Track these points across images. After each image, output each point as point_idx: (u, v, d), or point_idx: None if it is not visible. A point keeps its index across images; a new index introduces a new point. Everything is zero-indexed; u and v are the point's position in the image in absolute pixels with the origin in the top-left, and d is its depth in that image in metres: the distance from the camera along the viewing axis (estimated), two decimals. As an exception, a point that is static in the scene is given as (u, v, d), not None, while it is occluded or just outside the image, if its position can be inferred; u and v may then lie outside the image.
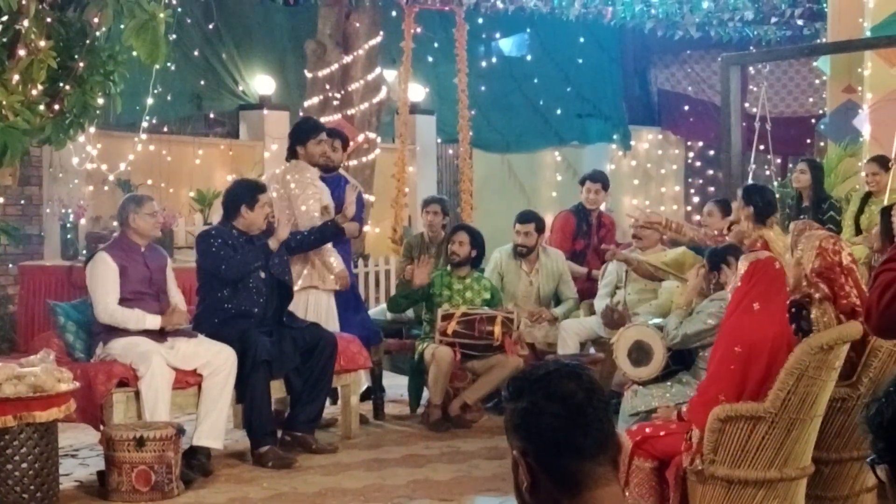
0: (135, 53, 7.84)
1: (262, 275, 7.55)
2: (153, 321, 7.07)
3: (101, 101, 8.00)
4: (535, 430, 2.25)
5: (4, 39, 7.47)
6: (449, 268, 8.76)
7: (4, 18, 7.39)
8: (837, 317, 5.20)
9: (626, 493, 5.24)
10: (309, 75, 12.58)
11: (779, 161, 15.60)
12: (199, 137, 13.14)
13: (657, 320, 6.98)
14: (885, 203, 8.40)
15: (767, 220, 7.27)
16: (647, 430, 5.48)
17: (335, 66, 12.42)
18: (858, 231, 9.30)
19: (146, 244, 7.25)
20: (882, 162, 9.52)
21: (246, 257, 7.42)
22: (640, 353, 6.36)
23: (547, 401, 2.25)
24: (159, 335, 7.09)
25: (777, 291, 5.14)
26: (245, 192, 7.61)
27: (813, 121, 14.11)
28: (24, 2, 7.29)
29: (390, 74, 13.20)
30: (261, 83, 13.45)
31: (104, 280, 7.03)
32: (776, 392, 4.95)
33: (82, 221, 10.87)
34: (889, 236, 6.15)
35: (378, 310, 9.90)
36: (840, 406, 5.24)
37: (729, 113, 11.28)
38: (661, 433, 5.44)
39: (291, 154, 8.33)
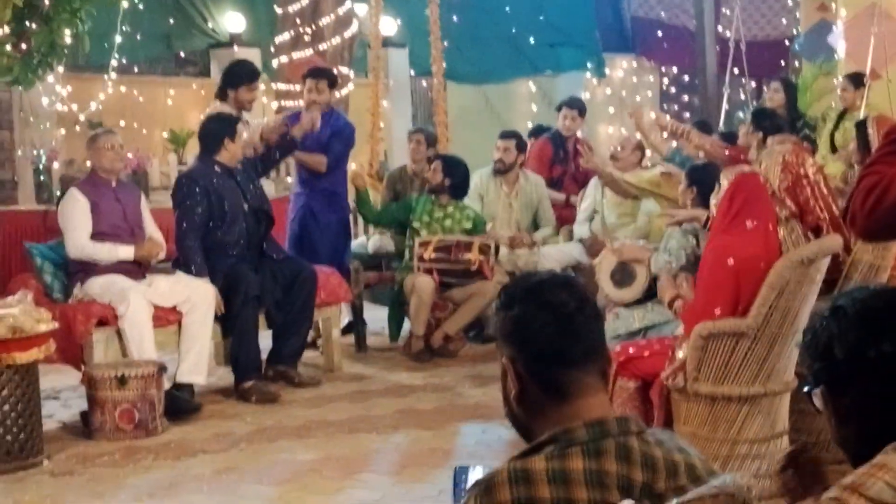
0: (100, -11, 7.75)
1: (245, 206, 7.52)
2: (126, 252, 7.03)
3: (68, 39, 7.90)
4: (525, 337, 2.24)
5: (-33, -21, 7.36)
6: (433, 196, 8.73)
7: (-33, -42, 7.29)
8: (805, 234, 5.19)
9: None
10: (279, 11, 12.41)
11: (753, 84, 15.56)
12: (170, 77, 12.98)
13: (640, 242, 6.96)
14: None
15: None
16: (631, 350, 5.47)
17: (305, 1, 12.27)
18: (834, 149, 9.27)
19: (115, 180, 7.21)
20: (854, 79, 9.46)
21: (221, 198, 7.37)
22: (623, 275, 6.34)
23: (538, 309, 2.25)
24: (137, 272, 7.05)
25: (766, 206, 5.10)
26: (226, 125, 7.56)
27: (787, 43, 14.02)
28: (-13, -60, 7.19)
29: (361, 8, 13.03)
30: (230, 20, 13.27)
31: (73, 215, 7.02)
32: (758, 308, 4.93)
33: (55, 165, 10.73)
34: (866, 148, 6.15)
35: (358, 242, 9.87)
36: (822, 320, 5.23)
37: (703, 36, 11.21)
38: (645, 353, 5.44)
39: (221, 95, 8.26)
